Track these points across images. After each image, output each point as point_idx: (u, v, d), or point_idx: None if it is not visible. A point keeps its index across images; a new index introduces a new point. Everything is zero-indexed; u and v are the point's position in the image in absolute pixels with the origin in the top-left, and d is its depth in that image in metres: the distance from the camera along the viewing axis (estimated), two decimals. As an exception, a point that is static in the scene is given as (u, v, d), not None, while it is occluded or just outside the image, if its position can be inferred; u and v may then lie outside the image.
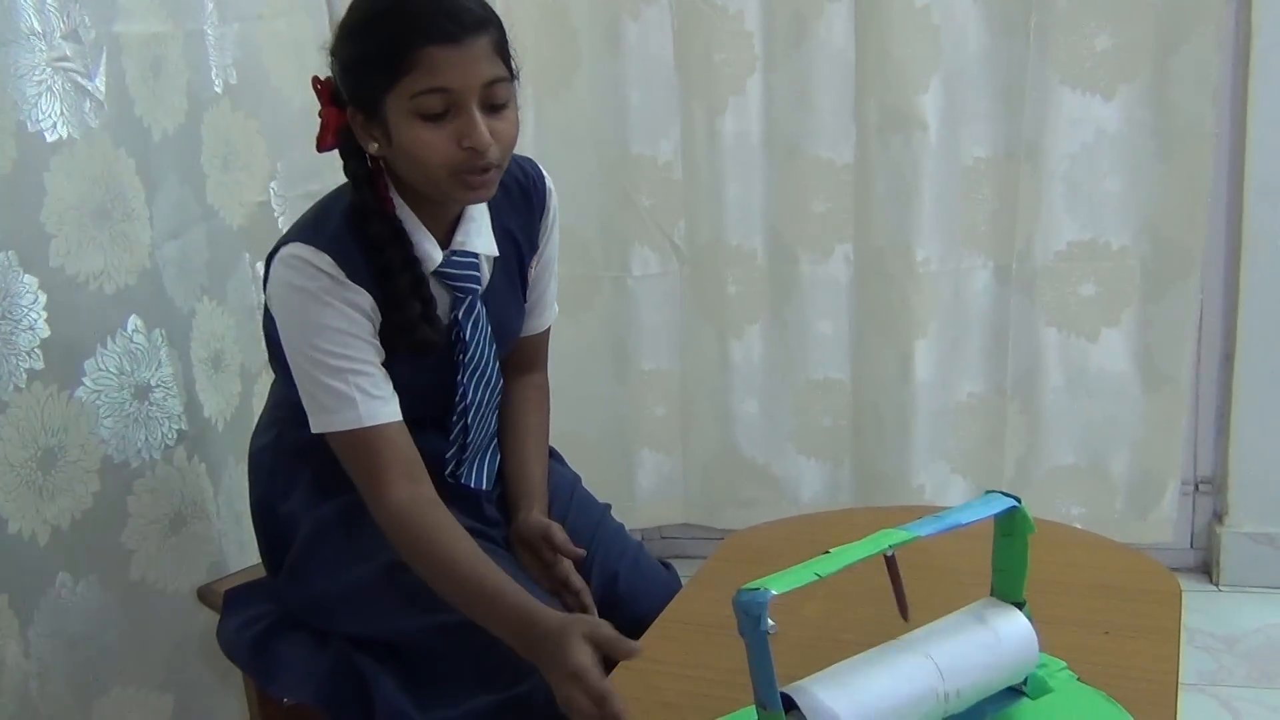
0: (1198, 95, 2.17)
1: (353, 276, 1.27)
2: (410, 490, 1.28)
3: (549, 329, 1.58)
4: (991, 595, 1.08)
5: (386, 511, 1.28)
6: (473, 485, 1.45)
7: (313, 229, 1.30)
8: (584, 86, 2.39)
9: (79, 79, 1.54)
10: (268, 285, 1.33)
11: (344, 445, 1.30)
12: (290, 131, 2.10)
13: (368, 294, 1.28)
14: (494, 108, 1.25)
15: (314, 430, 1.31)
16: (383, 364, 1.32)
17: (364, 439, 1.28)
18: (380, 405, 1.29)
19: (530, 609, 1.19)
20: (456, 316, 1.38)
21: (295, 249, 1.28)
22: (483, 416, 1.44)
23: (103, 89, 1.58)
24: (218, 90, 1.90)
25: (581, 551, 1.43)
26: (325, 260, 1.26)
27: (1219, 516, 2.46)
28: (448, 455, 1.43)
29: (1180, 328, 2.30)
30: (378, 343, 1.31)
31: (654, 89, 2.38)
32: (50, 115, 1.50)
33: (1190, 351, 2.33)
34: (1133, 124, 2.22)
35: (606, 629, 1.14)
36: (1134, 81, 2.19)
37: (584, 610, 1.41)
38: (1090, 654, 1.16)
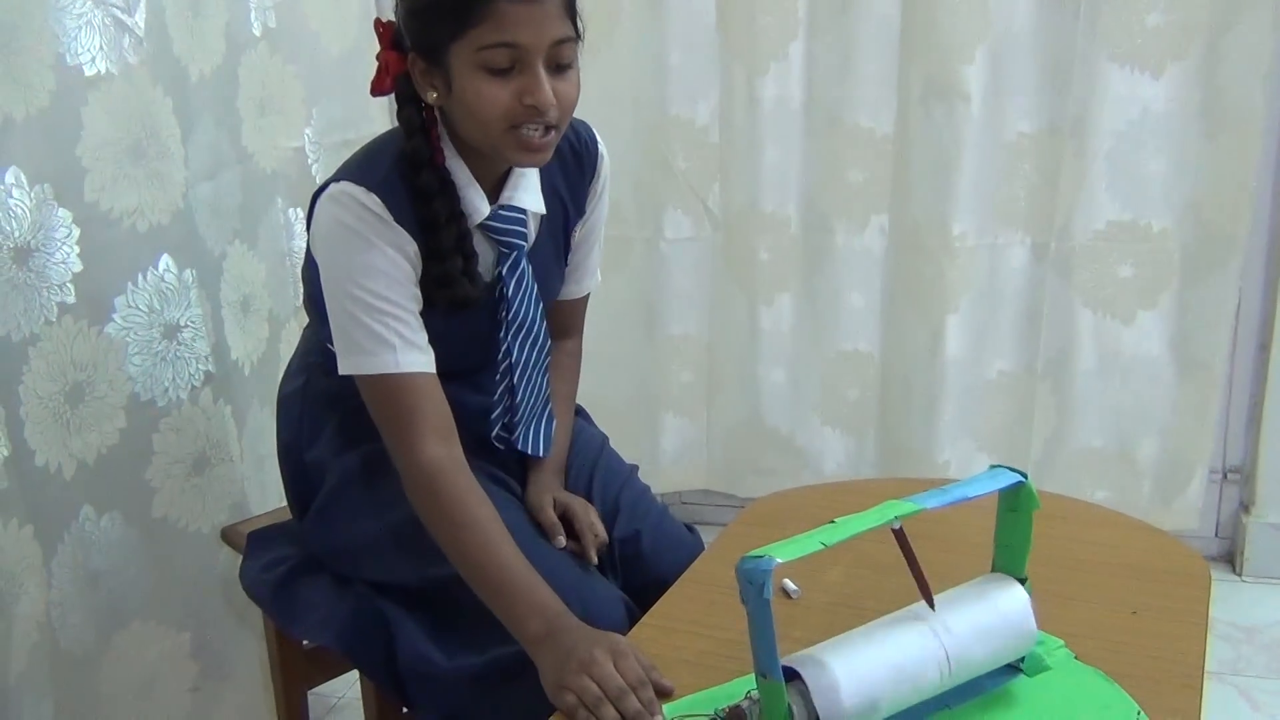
0: (1248, 77, 2.12)
1: (400, 221, 1.26)
2: (443, 450, 1.26)
3: (588, 296, 1.56)
4: (994, 570, 1.07)
5: (415, 466, 1.26)
6: (529, 451, 1.44)
7: (362, 170, 1.28)
8: (624, 45, 2.36)
9: (119, 14, 1.53)
10: (312, 222, 1.31)
11: (376, 391, 1.28)
12: (328, 78, 2.09)
13: (413, 240, 1.27)
14: (559, 68, 1.24)
15: (343, 371, 1.29)
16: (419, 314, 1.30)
17: (397, 385, 1.26)
18: (417, 354, 1.27)
19: (543, 601, 1.18)
20: (501, 272, 1.36)
21: (345, 187, 1.26)
22: (531, 378, 1.42)
23: (142, 25, 1.57)
24: (256, 33, 1.89)
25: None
26: (374, 200, 1.25)
27: (1245, 506, 2.43)
28: (493, 416, 1.42)
29: (1217, 314, 2.27)
30: (418, 291, 1.29)
31: (695, 50, 2.36)
32: (90, 50, 1.49)
33: (1226, 339, 2.29)
34: (1180, 104, 2.17)
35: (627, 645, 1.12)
36: (1184, 60, 2.15)
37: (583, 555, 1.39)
38: (1117, 633, 1.15)
